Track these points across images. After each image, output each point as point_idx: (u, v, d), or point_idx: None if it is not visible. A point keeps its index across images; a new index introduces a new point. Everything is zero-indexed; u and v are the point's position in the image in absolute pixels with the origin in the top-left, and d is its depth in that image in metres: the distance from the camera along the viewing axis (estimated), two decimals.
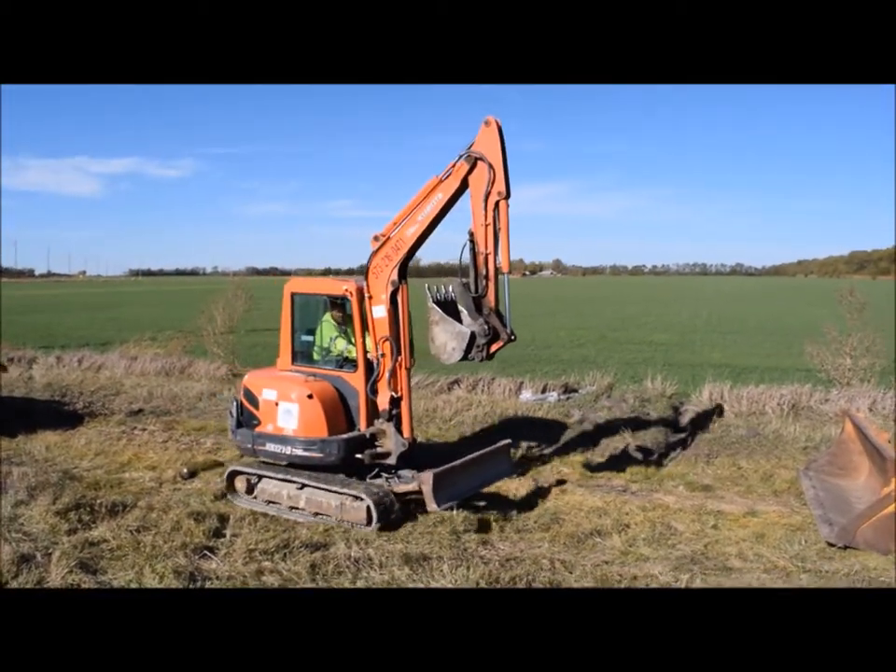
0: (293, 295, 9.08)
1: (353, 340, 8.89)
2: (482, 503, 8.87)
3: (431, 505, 8.00)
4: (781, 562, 7.44)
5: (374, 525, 8.01)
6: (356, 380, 8.69)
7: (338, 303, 8.95)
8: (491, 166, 7.78)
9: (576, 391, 15.83)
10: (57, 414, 14.02)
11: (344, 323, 8.98)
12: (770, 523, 8.66)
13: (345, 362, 8.93)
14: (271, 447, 8.74)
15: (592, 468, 10.78)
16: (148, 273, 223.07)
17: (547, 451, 11.65)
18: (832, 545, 7.73)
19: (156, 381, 17.70)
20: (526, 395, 15.25)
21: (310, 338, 9.17)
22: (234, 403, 9.15)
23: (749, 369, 19.89)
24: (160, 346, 22.00)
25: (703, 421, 13.65)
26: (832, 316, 18.01)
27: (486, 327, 7.92)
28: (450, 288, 8.29)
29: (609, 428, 12.92)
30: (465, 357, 7.96)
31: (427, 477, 8.01)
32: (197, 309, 21.61)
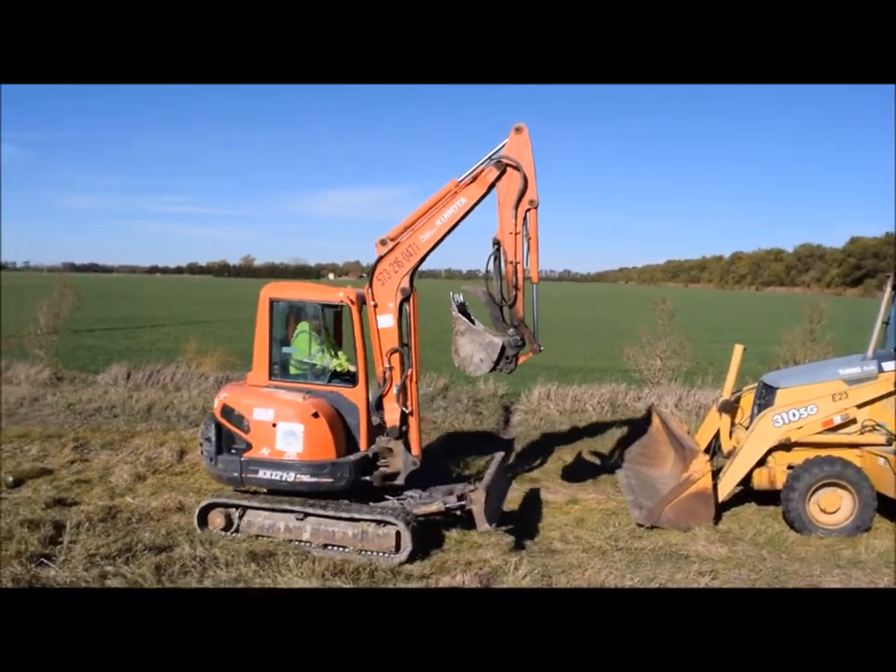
0: (272, 301, 8.25)
1: (333, 352, 8.48)
2: None
3: (483, 525, 7.51)
4: (598, 542, 8.33)
5: (406, 551, 7.50)
6: (355, 396, 8.15)
7: (322, 312, 8.40)
8: (524, 174, 7.74)
9: None
10: None
11: (322, 333, 8.42)
12: (589, 509, 9.62)
13: (334, 377, 8.38)
14: (266, 474, 7.90)
15: None
16: None
17: None
18: (641, 526, 8.74)
19: None
20: None
21: (290, 349, 8.41)
22: (212, 426, 8.17)
23: (574, 370, 21.21)
24: None
25: (531, 419, 14.65)
26: (647, 321, 19.63)
27: (518, 338, 7.90)
28: (459, 296, 8.05)
29: (446, 427, 13.60)
30: (493, 369, 7.83)
31: (480, 496, 7.48)
32: (13, 306, 20.16)
